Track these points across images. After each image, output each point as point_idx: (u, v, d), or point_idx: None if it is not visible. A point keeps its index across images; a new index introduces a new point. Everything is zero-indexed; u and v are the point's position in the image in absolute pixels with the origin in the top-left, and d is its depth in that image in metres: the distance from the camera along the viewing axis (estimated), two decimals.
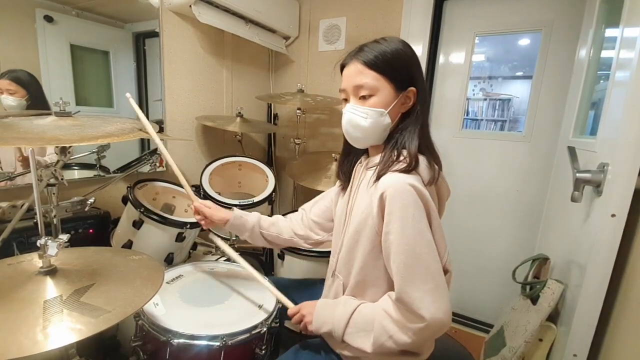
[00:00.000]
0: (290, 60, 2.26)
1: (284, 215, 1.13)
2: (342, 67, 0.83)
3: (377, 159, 0.81)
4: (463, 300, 1.94)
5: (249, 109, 2.10)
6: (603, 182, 0.93)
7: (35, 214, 0.79)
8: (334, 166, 1.75)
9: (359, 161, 0.92)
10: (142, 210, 1.19)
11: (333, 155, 1.78)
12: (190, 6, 1.54)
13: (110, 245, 1.28)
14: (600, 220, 0.93)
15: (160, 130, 1.65)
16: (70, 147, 0.93)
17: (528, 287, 1.26)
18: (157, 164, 1.58)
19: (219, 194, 1.57)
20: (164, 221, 1.22)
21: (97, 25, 1.40)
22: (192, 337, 0.84)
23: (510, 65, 2.01)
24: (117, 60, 1.49)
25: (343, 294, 0.86)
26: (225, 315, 0.95)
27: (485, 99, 3.39)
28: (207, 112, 1.89)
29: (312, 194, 1.25)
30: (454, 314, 1.95)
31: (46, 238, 0.72)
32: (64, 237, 0.75)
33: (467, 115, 2.49)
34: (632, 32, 0.92)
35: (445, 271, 0.74)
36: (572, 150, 1.13)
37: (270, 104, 2.32)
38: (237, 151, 1.90)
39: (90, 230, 1.24)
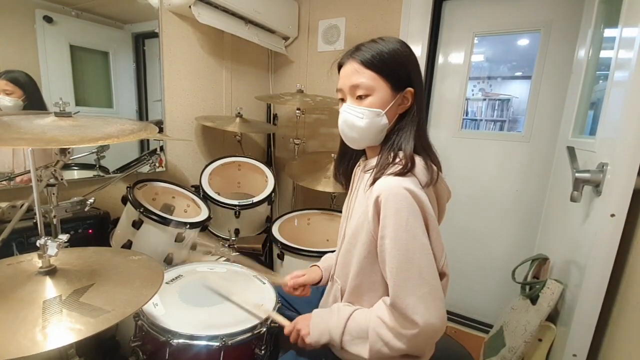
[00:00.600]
0: (290, 60, 2.26)
1: None
2: (340, 67, 0.82)
3: (373, 161, 0.80)
4: (462, 301, 1.93)
5: (249, 110, 2.10)
6: (602, 182, 0.93)
7: (35, 214, 0.80)
8: (333, 166, 1.75)
9: (357, 163, 0.92)
10: (141, 210, 1.19)
11: (332, 155, 1.77)
12: (189, 7, 1.54)
13: (110, 246, 1.28)
14: (599, 220, 0.93)
15: (160, 130, 1.65)
16: (69, 147, 0.93)
17: (527, 287, 1.26)
18: (157, 164, 1.58)
19: (219, 194, 1.58)
20: (164, 221, 1.22)
21: (97, 26, 1.40)
22: (192, 337, 0.84)
23: (510, 66, 2.01)
24: (117, 61, 1.49)
25: (341, 299, 0.86)
26: (225, 315, 0.94)
27: (485, 99, 3.39)
28: (206, 113, 1.89)
29: (311, 194, 1.25)
30: (453, 314, 1.95)
31: (46, 238, 0.72)
32: (64, 237, 0.75)
33: (466, 115, 2.49)
34: (630, 32, 0.92)
35: (442, 275, 0.74)
36: (571, 150, 1.14)
37: (270, 104, 2.32)
38: (237, 151, 1.90)
39: (90, 231, 1.24)
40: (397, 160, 0.75)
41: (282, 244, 1.49)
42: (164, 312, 0.92)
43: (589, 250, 0.96)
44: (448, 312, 0.76)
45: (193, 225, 1.29)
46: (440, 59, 1.89)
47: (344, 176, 0.97)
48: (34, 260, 0.76)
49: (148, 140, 1.64)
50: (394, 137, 0.79)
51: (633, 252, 0.91)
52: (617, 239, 0.90)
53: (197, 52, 1.79)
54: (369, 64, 0.76)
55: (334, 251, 0.98)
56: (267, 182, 1.70)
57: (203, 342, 0.84)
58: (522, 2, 1.65)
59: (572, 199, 0.99)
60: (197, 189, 1.56)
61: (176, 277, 1.11)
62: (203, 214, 1.40)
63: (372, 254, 0.76)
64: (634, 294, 0.87)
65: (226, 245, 1.52)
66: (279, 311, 0.96)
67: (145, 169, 1.56)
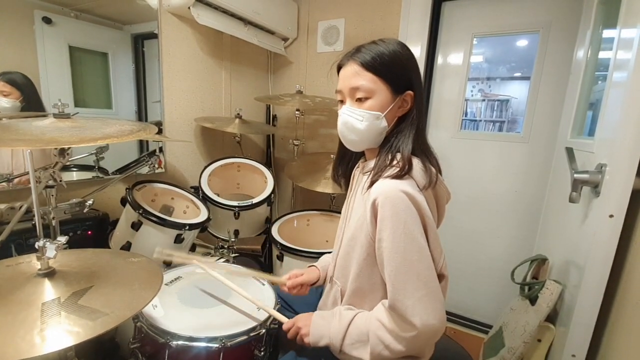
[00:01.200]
0: (289, 61, 2.26)
1: None
2: (339, 68, 0.82)
3: (372, 163, 0.80)
4: (462, 301, 1.93)
5: (248, 110, 2.10)
6: (601, 182, 0.93)
7: (34, 215, 0.79)
8: (332, 167, 1.75)
9: (356, 165, 0.92)
10: (140, 211, 1.19)
11: (332, 156, 1.76)
12: (189, 8, 1.54)
13: (109, 247, 1.28)
14: (598, 221, 0.93)
15: (159, 131, 1.65)
16: (69, 148, 0.93)
17: (527, 288, 1.26)
18: (156, 166, 1.58)
19: (218, 195, 1.57)
20: (163, 222, 1.22)
21: (96, 27, 1.40)
22: (191, 339, 0.84)
23: (509, 66, 2.01)
24: (116, 62, 1.49)
25: (341, 301, 0.86)
26: (224, 316, 0.94)
27: (484, 100, 3.39)
28: (206, 114, 1.89)
29: (311, 195, 1.25)
30: (453, 314, 1.95)
31: (44, 240, 0.71)
32: (63, 239, 0.74)
33: (465, 116, 2.50)
34: (629, 33, 0.92)
35: (441, 276, 0.74)
36: (570, 151, 1.14)
37: (269, 105, 2.32)
38: (236, 152, 1.90)
39: (89, 232, 1.24)
40: (395, 162, 0.75)
41: (281, 245, 1.49)
42: (163, 313, 0.92)
43: (588, 250, 0.96)
44: (447, 313, 0.76)
45: (192, 226, 1.29)
46: (439, 60, 1.89)
47: (343, 177, 0.97)
48: (32, 262, 0.76)
49: (147, 142, 1.64)
50: (392, 140, 0.79)
51: (632, 252, 0.91)
52: (615, 240, 0.90)
53: (197, 53, 1.79)
54: (369, 66, 0.75)
55: (332, 252, 0.98)
56: (267, 183, 1.70)
57: (202, 344, 0.84)
58: (521, 3, 1.66)
59: (571, 200, 0.99)
60: (197, 190, 1.56)
61: (175, 279, 1.10)
62: (202, 215, 1.40)
63: (371, 257, 0.76)
64: (633, 294, 0.87)
65: (225, 246, 1.52)
66: (278, 312, 0.96)
67: (144, 170, 1.56)
